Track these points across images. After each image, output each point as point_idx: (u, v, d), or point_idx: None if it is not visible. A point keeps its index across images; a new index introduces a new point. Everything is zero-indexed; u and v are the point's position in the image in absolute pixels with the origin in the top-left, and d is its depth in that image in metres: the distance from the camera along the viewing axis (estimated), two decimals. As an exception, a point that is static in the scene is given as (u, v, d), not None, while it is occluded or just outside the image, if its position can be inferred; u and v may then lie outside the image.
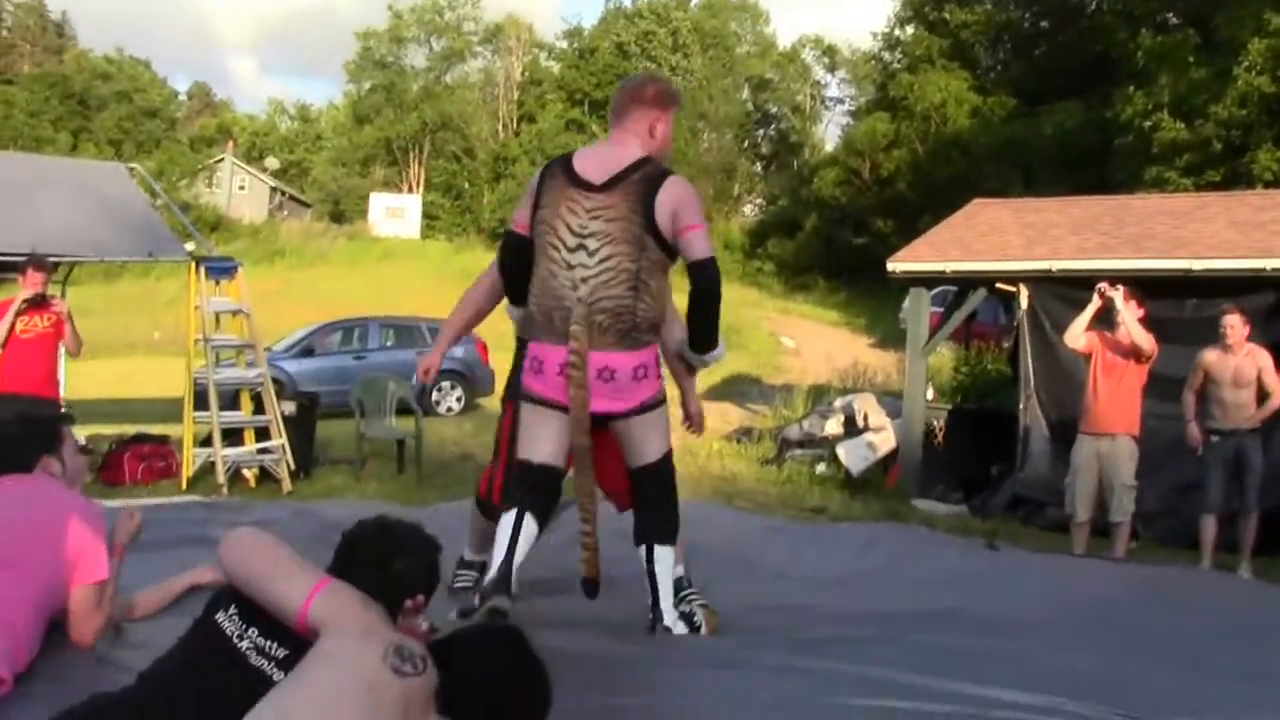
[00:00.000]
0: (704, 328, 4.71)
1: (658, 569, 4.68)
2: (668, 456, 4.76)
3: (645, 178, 4.52)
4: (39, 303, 9.35)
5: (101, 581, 3.78)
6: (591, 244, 4.48)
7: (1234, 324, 8.92)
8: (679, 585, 4.98)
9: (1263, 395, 8.86)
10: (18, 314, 9.25)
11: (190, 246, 12.40)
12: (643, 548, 4.71)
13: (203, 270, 11.45)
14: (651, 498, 4.75)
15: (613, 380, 4.52)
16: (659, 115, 4.75)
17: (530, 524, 4.65)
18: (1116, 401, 8.73)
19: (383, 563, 3.20)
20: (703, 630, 4.77)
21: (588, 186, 4.54)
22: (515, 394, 5.03)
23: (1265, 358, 8.93)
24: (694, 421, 5.45)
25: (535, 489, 4.68)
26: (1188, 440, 9.02)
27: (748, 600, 5.50)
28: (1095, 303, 8.87)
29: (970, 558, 6.86)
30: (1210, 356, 9.01)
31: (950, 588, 5.89)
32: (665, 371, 4.81)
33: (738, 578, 6.09)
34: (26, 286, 9.33)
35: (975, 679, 3.73)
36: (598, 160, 4.63)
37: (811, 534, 7.59)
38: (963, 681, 3.70)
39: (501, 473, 5.31)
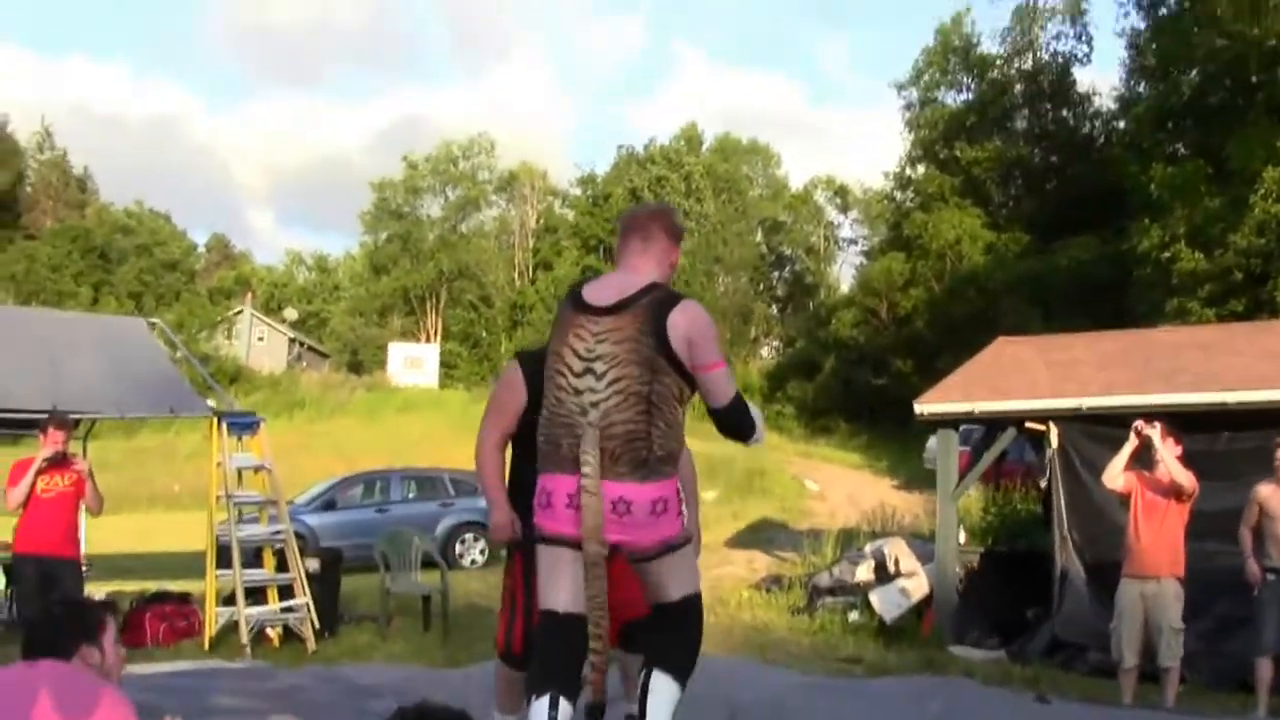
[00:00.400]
0: (736, 430, 4.56)
1: (651, 700, 4.28)
2: (693, 599, 4.47)
3: (655, 300, 4.35)
4: (60, 461, 9.29)
5: None
6: (599, 366, 4.29)
7: None
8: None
9: None
10: (38, 473, 9.18)
11: (211, 402, 12.31)
12: (644, 672, 4.36)
13: (224, 426, 11.34)
14: (667, 628, 4.45)
15: (629, 514, 4.23)
16: (672, 248, 4.65)
17: (564, 708, 4.28)
18: (1160, 543, 8.52)
19: None
20: None
21: (595, 311, 4.39)
22: (519, 540, 4.89)
23: None
24: None
25: (560, 654, 4.35)
26: (1247, 577, 8.74)
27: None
28: (1132, 441, 8.69)
29: (1021, 713, 6.63)
30: (1265, 491, 8.75)
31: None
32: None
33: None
34: (47, 444, 9.26)
35: None
36: (607, 286, 4.49)
37: (854, 690, 7.35)
38: None
39: (521, 623, 5.08)
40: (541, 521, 4.40)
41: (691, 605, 4.46)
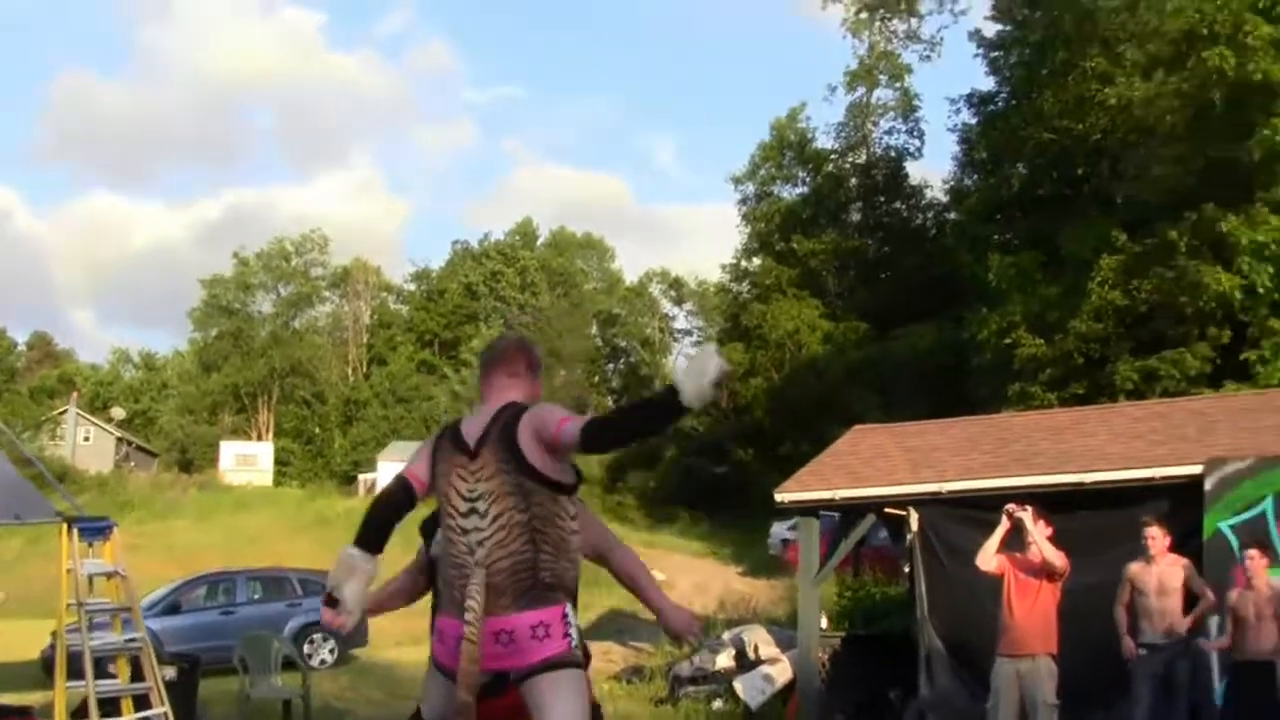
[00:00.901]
0: (629, 432, 4.29)
1: None
2: None
3: (502, 426, 4.33)
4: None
5: None
6: (481, 505, 4.29)
7: (1155, 535, 8.95)
8: None
9: (1191, 602, 8.85)
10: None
11: (59, 507, 11.87)
12: None
13: (75, 531, 10.92)
14: None
15: (511, 643, 4.24)
16: (535, 382, 4.64)
17: None
18: (1033, 621, 8.64)
19: None
20: None
21: (469, 451, 4.38)
22: None
23: (1188, 566, 8.98)
24: (673, 634, 4.92)
25: None
26: (1123, 653, 8.92)
27: None
28: (1004, 524, 8.81)
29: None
30: (1134, 568, 9.02)
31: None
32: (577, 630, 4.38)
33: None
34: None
35: None
36: (475, 423, 4.46)
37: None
38: None
39: None
40: (436, 651, 4.45)
41: None
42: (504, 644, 4.22)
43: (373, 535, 4.48)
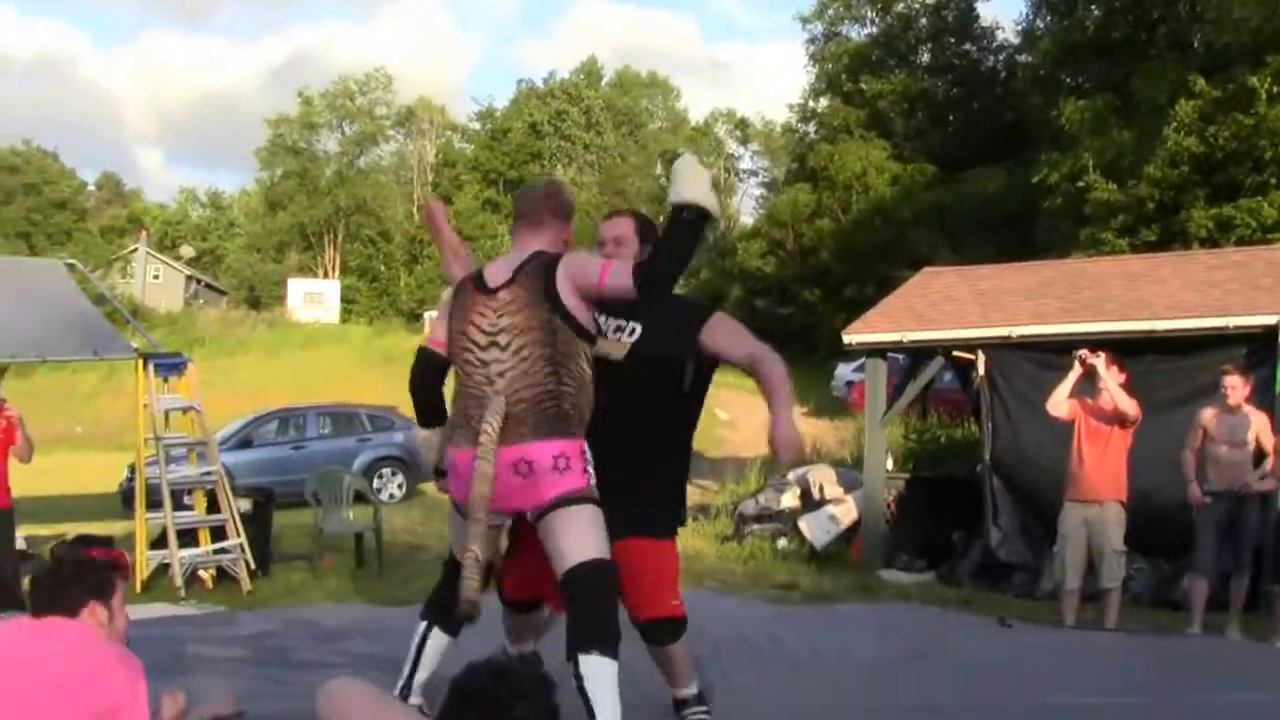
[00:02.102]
0: (679, 260, 4.32)
1: (589, 685, 4.10)
2: (603, 564, 4.22)
3: (540, 264, 4.36)
4: (-12, 408, 8.99)
5: None
6: (503, 339, 4.31)
7: (1234, 384, 8.82)
8: (684, 704, 4.78)
9: (1260, 457, 8.80)
10: (-34, 420, 8.89)
11: (135, 344, 12.02)
12: (571, 662, 4.17)
13: (151, 367, 11.08)
14: (577, 605, 4.24)
15: (530, 474, 4.20)
16: (563, 228, 4.61)
17: (438, 637, 4.70)
18: (1102, 468, 8.61)
19: (502, 709, 2.94)
20: None
21: (493, 290, 4.41)
22: None
23: (1262, 418, 8.89)
24: (775, 445, 4.69)
25: (449, 592, 4.46)
26: (1188, 499, 8.90)
27: (799, 698, 5.24)
28: (1076, 370, 8.74)
29: (990, 638, 6.69)
30: (1208, 415, 8.93)
31: (994, 673, 5.69)
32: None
33: (757, 670, 5.86)
34: (-28, 391, 8.96)
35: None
36: (501, 267, 4.50)
37: (824, 620, 7.35)
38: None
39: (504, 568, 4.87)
40: (453, 491, 4.49)
41: (598, 569, 4.21)
42: (522, 474, 4.20)
43: (427, 411, 4.72)
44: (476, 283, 4.50)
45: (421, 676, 4.66)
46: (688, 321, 4.70)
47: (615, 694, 4.14)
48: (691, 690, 4.85)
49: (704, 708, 4.81)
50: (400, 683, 4.64)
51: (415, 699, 4.55)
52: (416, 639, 4.74)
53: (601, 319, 4.59)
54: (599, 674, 4.11)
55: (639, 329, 4.66)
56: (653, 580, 4.67)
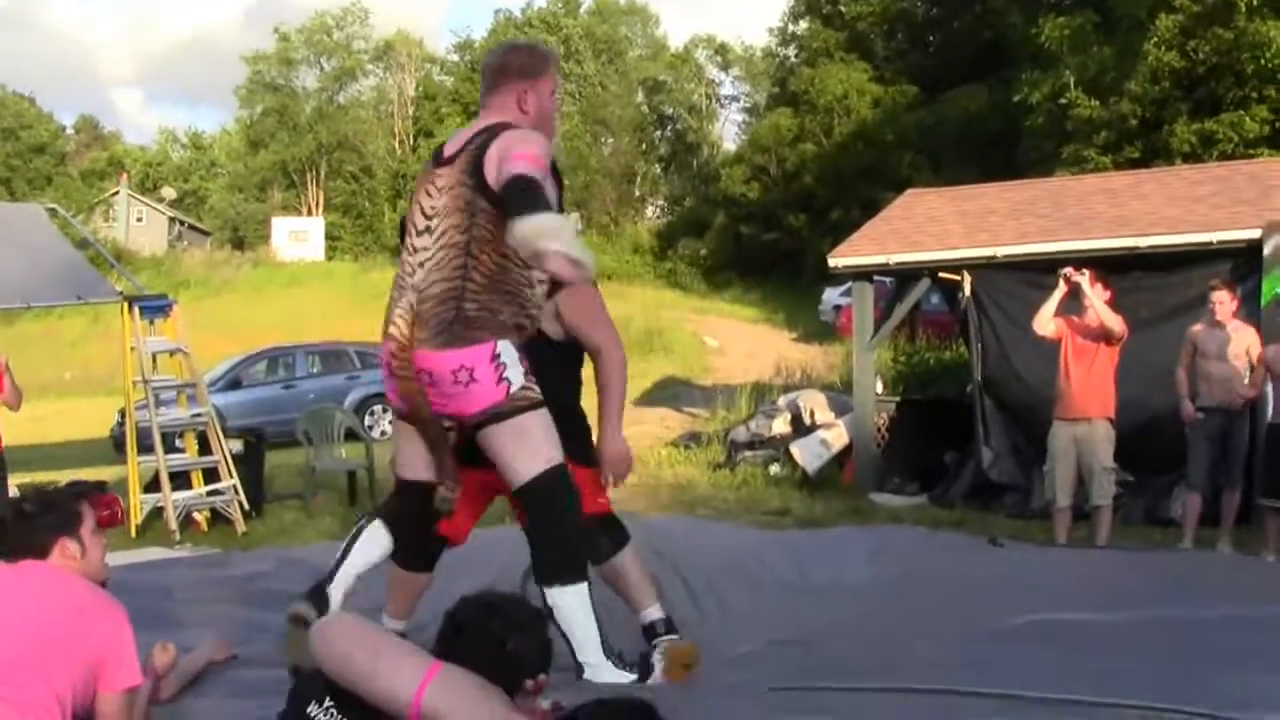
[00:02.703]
0: (519, 208, 3.71)
1: (561, 618, 4.04)
2: (550, 476, 4.04)
3: (483, 140, 4.06)
4: (-26, 355, 8.96)
5: (133, 688, 3.48)
6: (435, 223, 4.07)
7: (1222, 299, 8.86)
8: (652, 630, 4.58)
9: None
10: (-48, 369, 8.86)
11: (119, 287, 11.99)
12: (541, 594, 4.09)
13: (136, 310, 11.05)
14: (536, 528, 4.12)
15: (434, 385, 4.01)
16: (526, 87, 4.27)
17: (376, 532, 4.34)
18: (1090, 386, 8.62)
19: (497, 642, 2.95)
20: (657, 674, 4.20)
21: (440, 163, 4.18)
22: None
23: (1250, 332, 8.93)
24: (604, 462, 4.55)
25: (407, 520, 4.33)
26: (1182, 416, 8.94)
27: (789, 621, 5.29)
28: (1061, 288, 8.74)
29: (982, 558, 6.74)
30: (1197, 330, 8.98)
31: (984, 593, 5.73)
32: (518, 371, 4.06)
33: (749, 594, 5.90)
34: (-41, 339, 8.93)
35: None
36: (456, 139, 4.25)
37: (815, 544, 7.38)
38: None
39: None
40: (388, 393, 4.29)
41: (547, 483, 4.06)
42: (430, 384, 4.02)
43: None
44: (434, 156, 4.29)
45: (347, 572, 4.29)
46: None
47: (588, 616, 4.11)
48: (657, 613, 4.65)
49: (674, 634, 4.60)
50: (319, 581, 4.29)
51: (337, 590, 4.23)
52: (348, 537, 4.42)
53: None
54: (566, 604, 4.07)
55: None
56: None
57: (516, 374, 4.02)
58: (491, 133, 4.08)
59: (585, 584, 4.10)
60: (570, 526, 4.11)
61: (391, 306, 4.11)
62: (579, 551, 4.15)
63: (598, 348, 4.57)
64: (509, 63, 4.35)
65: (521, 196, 3.72)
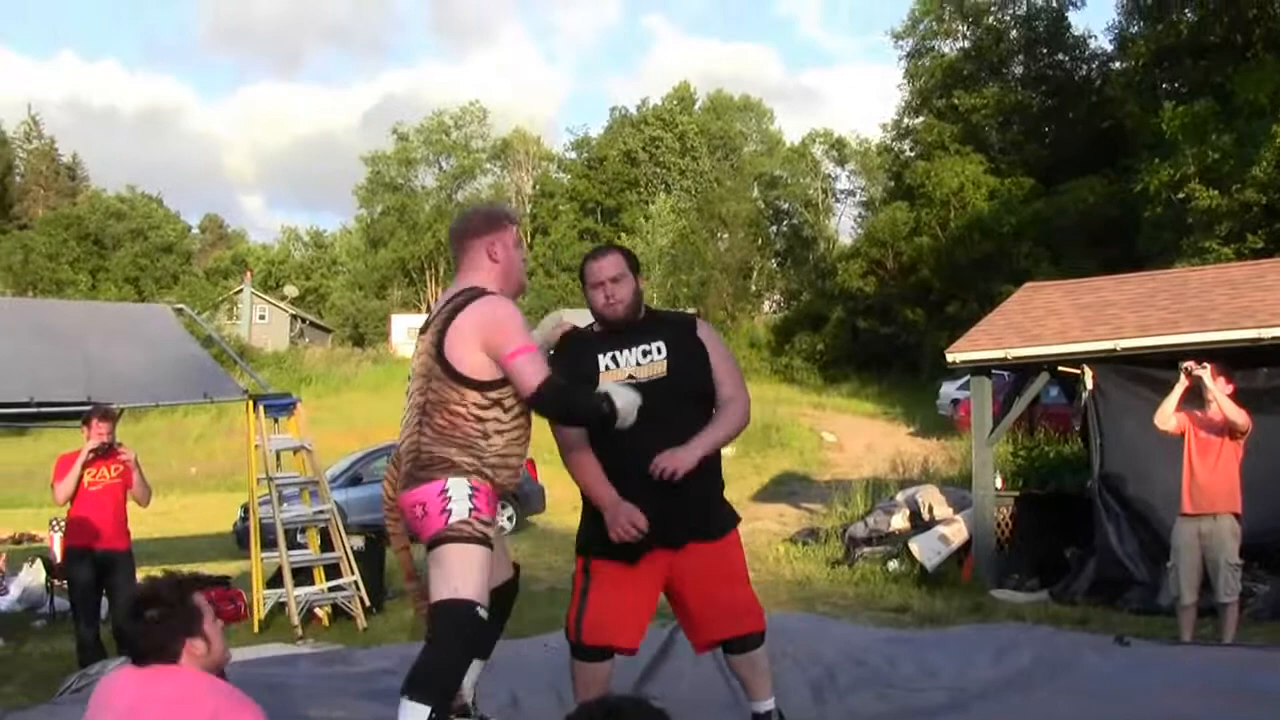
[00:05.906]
0: (564, 414, 4.54)
1: None
2: (448, 607, 4.27)
3: (453, 306, 4.44)
4: (106, 453, 9.16)
5: None
6: (409, 384, 4.54)
7: None
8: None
9: None
10: (85, 466, 9.06)
11: (244, 385, 12.25)
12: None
13: (261, 408, 11.28)
14: (429, 641, 4.38)
15: (408, 519, 4.52)
16: (493, 238, 4.64)
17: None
18: (1215, 481, 8.47)
19: None
20: None
21: (424, 328, 4.61)
22: (585, 547, 4.83)
23: None
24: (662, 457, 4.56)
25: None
26: None
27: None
28: (1183, 383, 8.63)
29: (1109, 656, 6.61)
30: None
31: (1116, 694, 5.64)
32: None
33: (874, 693, 5.86)
34: (92, 437, 9.10)
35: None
36: (439, 299, 4.63)
37: (938, 643, 7.31)
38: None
39: (575, 611, 4.80)
40: None
41: (444, 612, 4.30)
42: (406, 519, 4.54)
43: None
44: (427, 317, 4.67)
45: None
46: (689, 332, 4.85)
47: None
48: (770, 704, 4.85)
49: None
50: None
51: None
52: None
53: (625, 352, 4.72)
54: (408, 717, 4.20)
55: (664, 345, 4.72)
56: (727, 588, 4.74)
57: (461, 508, 4.35)
58: (456, 306, 4.44)
59: (430, 711, 4.21)
60: (445, 658, 4.34)
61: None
62: (442, 681, 4.32)
63: (731, 397, 4.83)
64: (471, 224, 4.77)
65: (567, 400, 4.42)
